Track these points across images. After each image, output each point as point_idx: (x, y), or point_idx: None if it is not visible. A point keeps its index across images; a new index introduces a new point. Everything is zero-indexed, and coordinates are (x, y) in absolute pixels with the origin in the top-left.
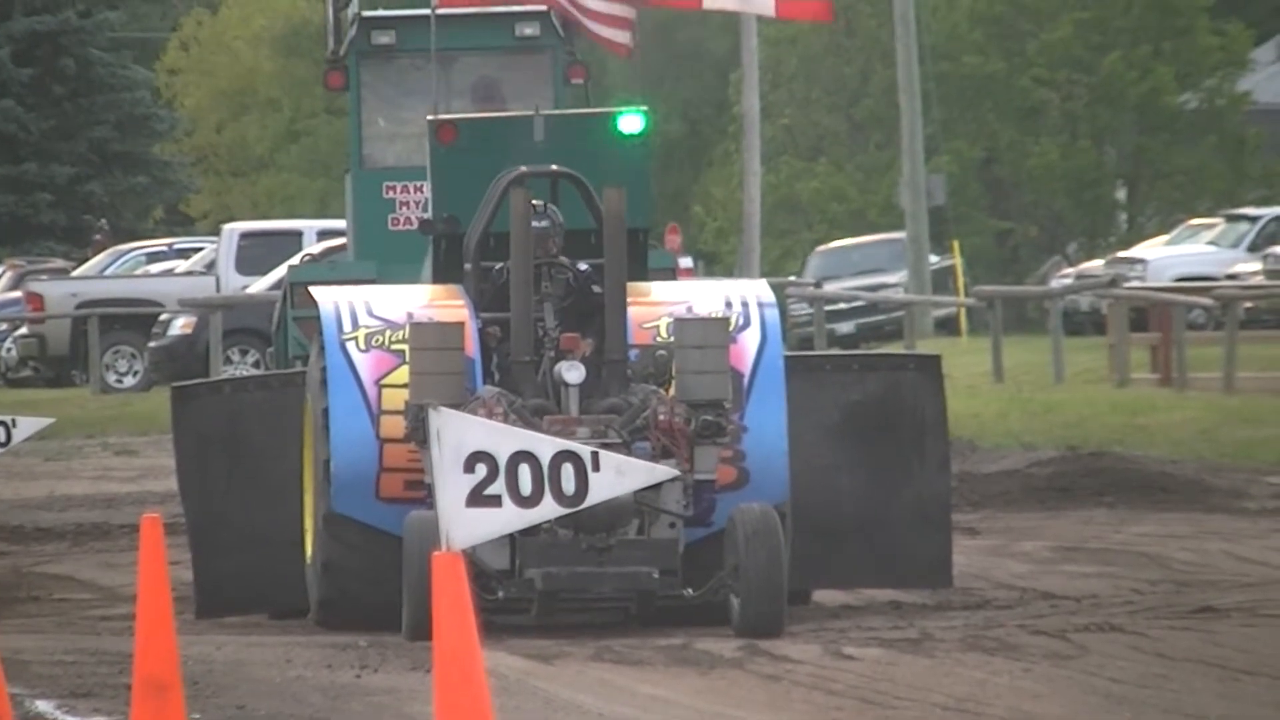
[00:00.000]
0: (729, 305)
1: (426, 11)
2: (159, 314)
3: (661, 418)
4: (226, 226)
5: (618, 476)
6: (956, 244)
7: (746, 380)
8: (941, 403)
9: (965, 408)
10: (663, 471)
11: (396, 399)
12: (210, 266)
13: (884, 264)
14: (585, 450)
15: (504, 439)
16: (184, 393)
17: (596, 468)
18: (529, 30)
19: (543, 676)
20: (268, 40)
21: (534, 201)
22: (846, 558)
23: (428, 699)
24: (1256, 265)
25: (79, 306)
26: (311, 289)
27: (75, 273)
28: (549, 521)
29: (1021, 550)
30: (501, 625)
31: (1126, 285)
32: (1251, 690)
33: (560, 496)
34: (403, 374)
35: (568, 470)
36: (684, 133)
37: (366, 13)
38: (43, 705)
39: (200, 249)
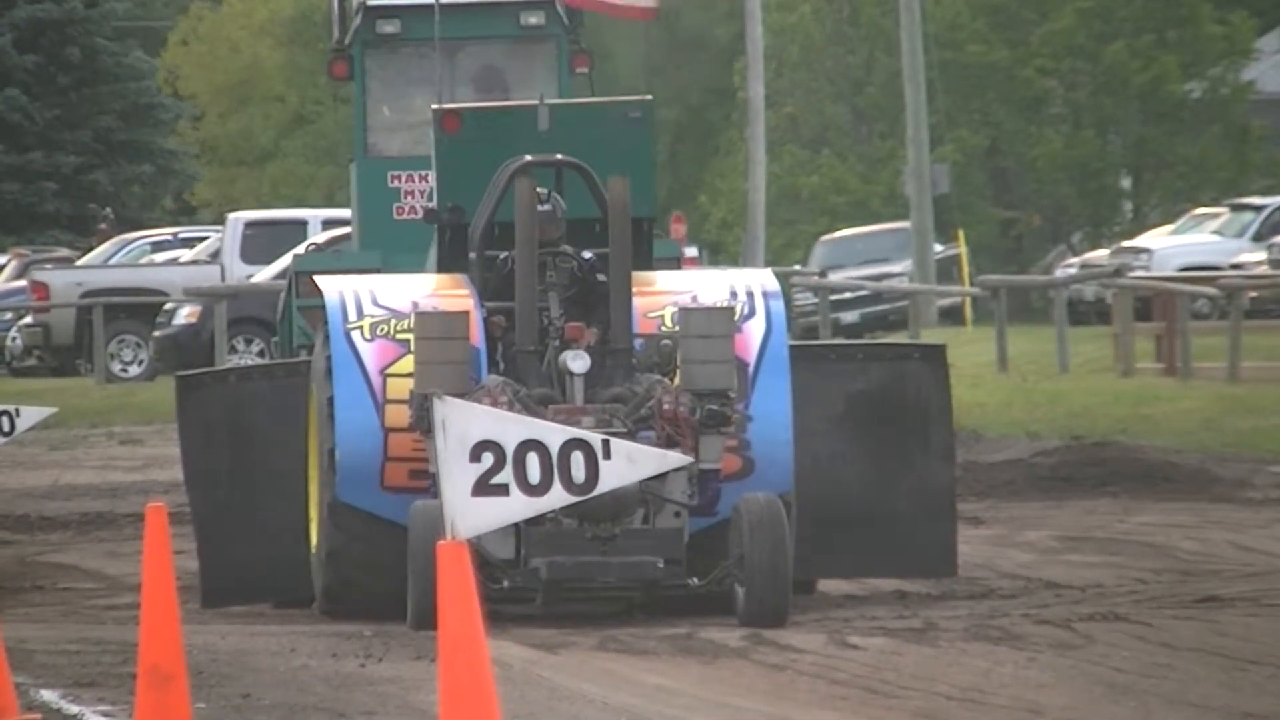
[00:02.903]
0: (734, 294)
1: (431, 0)
2: (164, 303)
3: (666, 407)
4: (231, 216)
5: (629, 464)
6: (961, 233)
7: (751, 370)
8: (946, 392)
9: (970, 397)
10: (675, 459)
11: (401, 388)
12: (215, 255)
13: (888, 253)
14: (596, 438)
15: (511, 428)
16: (189, 382)
17: (607, 456)
18: (533, 19)
19: (547, 666)
20: (272, 29)
21: (538, 190)
22: (851, 547)
23: (433, 688)
24: (1261, 255)
25: (84, 295)
26: (316, 278)
27: (80, 262)
28: (554, 511)
29: (1026, 540)
30: (506, 614)
31: (1131, 275)
32: (1256, 679)
33: (570, 485)
34: (407, 363)
35: (577, 458)
36: (688, 122)
37: (371, 1)
38: (47, 694)
39: (205, 238)
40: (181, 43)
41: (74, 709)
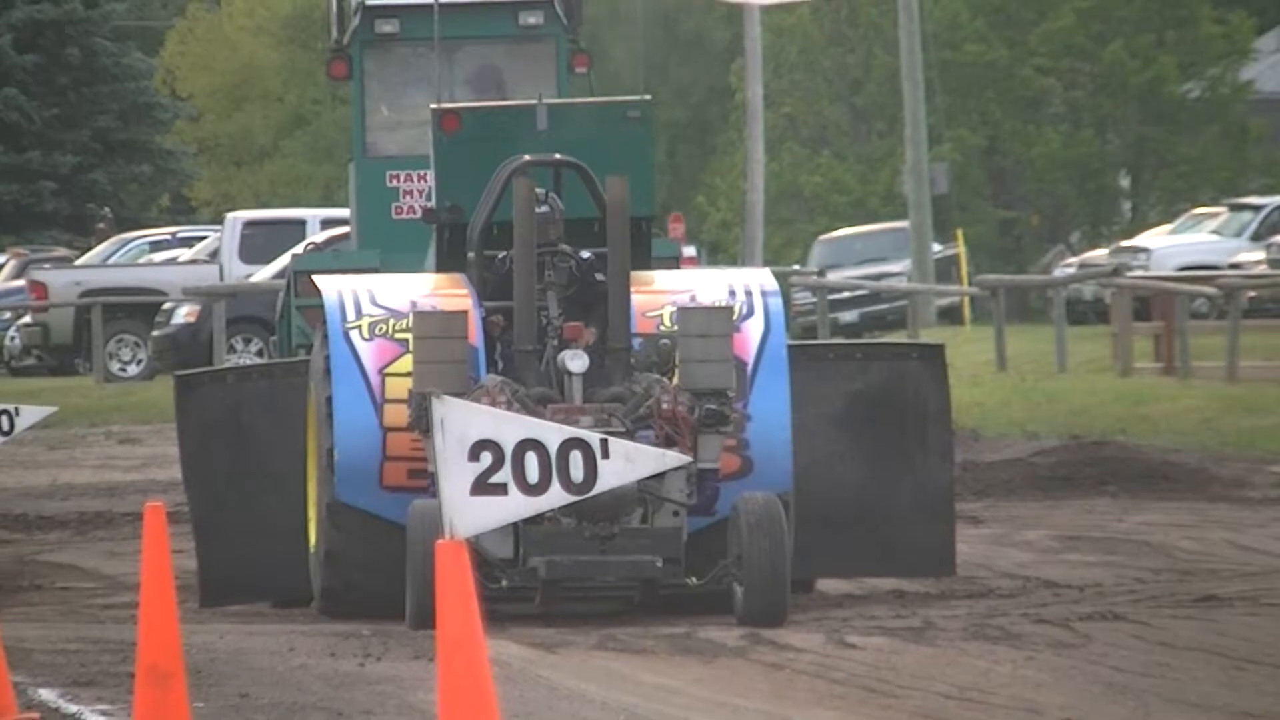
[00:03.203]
0: (732, 294)
1: (430, 0)
2: (162, 303)
3: (665, 406)
4: (230, 215)
5: (627, 464)
6: (960, 233)
7: (750, 369)
8: (944, 392)
9: (968, 397)
10: (674, 458)
11: (400, 388)
12: (214, 255)
13: (887, 253)
14: (594, 437)
15: (510, 427)
16: (187, 381)
17: (606, 455)
18: (532, 19)
19: (546, 665)
20: (270, 28)
21: (536, 190)
22: (850, 547)
23: (431, 688)
24: (1259, 254)
25: (82, 295)
26: (315, 278)
27: (79, 261)
28: (552, 510)
29: (1024, 539)
30: (505, 614)
31: (1129, 274)
32: (1254, 679)
33: (569, 484)
34: (406, 363)
35: (576, 458)
36: (687, 121)
37: (370, 1)
38: (46, 694)
39: (204, 237)
40: (180, 43)
41: (72, 708)
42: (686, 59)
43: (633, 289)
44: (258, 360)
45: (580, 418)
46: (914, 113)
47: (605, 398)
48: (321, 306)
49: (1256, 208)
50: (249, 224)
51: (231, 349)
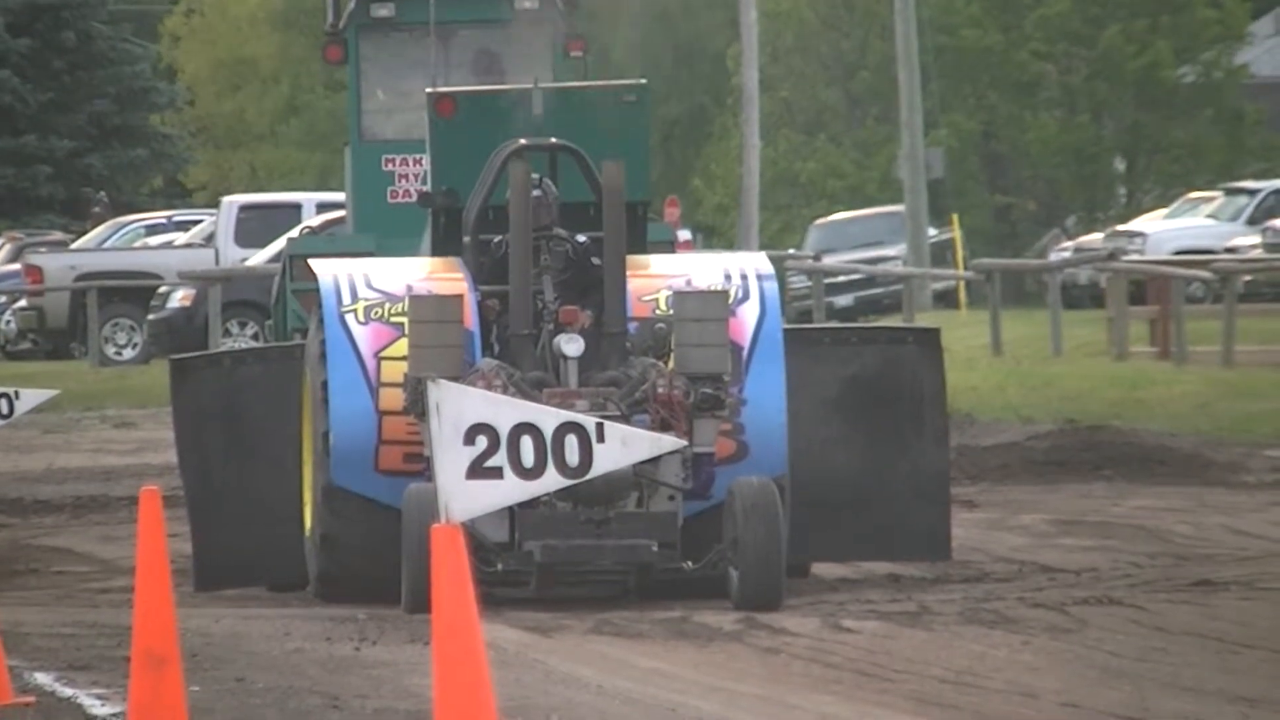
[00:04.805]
0: (728, 278)
1: None
2: (158, 286)
3: (660, 390)
4: (226, 199)
5: (623, 448)
6: (955, 217)
7: (745, 353)
8: (940, 376)
9: (964, 381)
10: (669, 442)
11: (395, 371)
12: (209, 239)
13: (883, 237)
14: (590, 421)
15: (505, 411)
16: (183, 365)
17: (601, 439)
18: (528, 3)
19: (541, 649)
20: (266, 15)
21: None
22: (845, 531)
23: (426, 671)
24: (1255, 238)
25: (78, 279)
26: (311, 262)
27: (74, 245)
28: (548, 494)
29: (1020, 523)
30: (500, 598)
31: (1125, 258)
32: (1249, 663)
33: (564, 468)
34: (402, 346)
35: (571, 441)
36: (683, 109)
37: None
38: (41, 678)
39: (199, 221)
40: (185, 15)
41: (68, 692)
42: (683, 56)
43: (628, 273)
44: (253, 344)
45: (576, 402)
46: (910, 98)
47: (601, 382)
48: (317, 290)
49: (1252, 192)
50: (245, 208)
51: (227, 333)
